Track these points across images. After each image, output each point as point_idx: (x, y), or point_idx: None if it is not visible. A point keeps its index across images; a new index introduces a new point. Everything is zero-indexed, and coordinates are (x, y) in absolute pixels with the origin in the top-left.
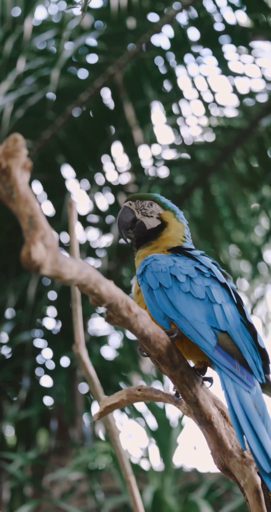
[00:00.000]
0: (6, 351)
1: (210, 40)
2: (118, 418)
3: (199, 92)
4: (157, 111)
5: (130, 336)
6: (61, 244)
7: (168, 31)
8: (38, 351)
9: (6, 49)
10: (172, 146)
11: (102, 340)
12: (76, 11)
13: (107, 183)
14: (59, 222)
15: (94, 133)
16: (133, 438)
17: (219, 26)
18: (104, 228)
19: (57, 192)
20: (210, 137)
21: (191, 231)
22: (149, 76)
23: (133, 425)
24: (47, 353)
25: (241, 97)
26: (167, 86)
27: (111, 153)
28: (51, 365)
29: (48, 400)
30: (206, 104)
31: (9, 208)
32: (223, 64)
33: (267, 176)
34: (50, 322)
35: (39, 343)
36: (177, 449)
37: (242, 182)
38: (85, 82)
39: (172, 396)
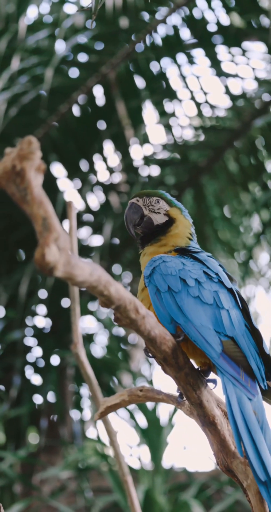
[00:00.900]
0: None
1: (203, 40)
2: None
3: (191, 92)
4: (149, 111)
5: (119, 334)
6: None
7: (161, 31)
8: (29, 349)
9: (0, 47)
10: (164, 146)
11: (91, 339)
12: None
13: (99, 183)
14: None
15: (86, 132)
16: (123, 437)
17: (212, 27)
18: (96, 227)
19: (49, 191)
20: (202, 137)
21: None
22: (141, 75)
23: (124, 424)
24: (37, 352)
25: (233, 97)
26: (159, 86)
27: (103, 153)
28: (41, 364)
29: (38, 399)
30: (198, 104)
31: None
32: (215, 64)
33: (259, 177)
34: (41, 321)
35: (30, 341)
36: (167, 448)
37: (234, 182)
38: (78, 81)
39: (174, 397)
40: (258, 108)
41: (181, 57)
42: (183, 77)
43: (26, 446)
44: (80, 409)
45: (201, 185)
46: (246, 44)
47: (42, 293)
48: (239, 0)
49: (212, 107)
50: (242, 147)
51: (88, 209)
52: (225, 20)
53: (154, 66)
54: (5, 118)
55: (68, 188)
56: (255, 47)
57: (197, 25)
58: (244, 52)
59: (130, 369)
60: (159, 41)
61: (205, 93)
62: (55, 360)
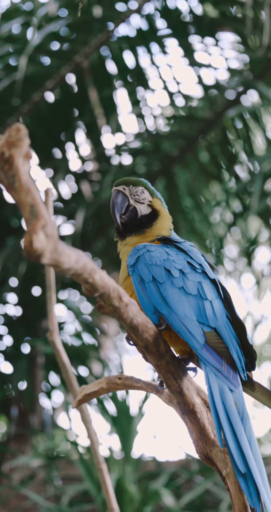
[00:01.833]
0: None
1: (177, 30)
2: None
3: (164, 82)
4: (122, 100)
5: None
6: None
7: (135, 20)
8: None
9: None
10: (136, 135)
11: (60, 327)
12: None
13: (71, 171)
14: None
15: (59, 120)
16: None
17: (186, 17)
18: (68, 216)
19: None
20: (175, 127)
21: None
22: (114, 65)
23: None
24: (8, 340)
25: (206, 88)
26: (132, 75)
27: (75, 141)
28: (12, 352)
29: (8, 387)
30: (171, 94)
31: None
32: (189, 54)
33: (231, 167)
34: (12, 309)
35: (0, 329)
36: (137, 437)
37: (206, 172)
38: (51, 70)
39: (152, 385)
40: (230, 98)
41: (155, 47)
42: (156, 67)
43: None
44: (50, 398)
45: (173, 175)
46: (219, 34)
47: (13, 282)
48: None
49: (185, 97)
50: (214, 137)
51: (60, 198)
52: (199, 10)
53: (127, 56)
54: None
55: (40, 176)
56: (229, 38)
57: (170, 15)
58: (217, 42)
59: (100, 357)
60: (132, 30)
61: (178, 83)
62: (25, 348)
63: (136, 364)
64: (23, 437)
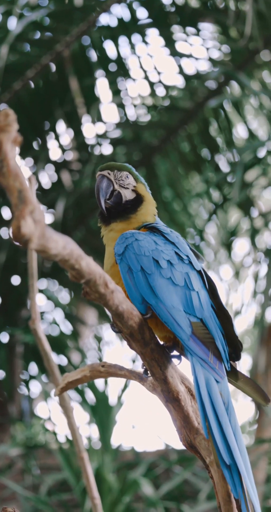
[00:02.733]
0: None
1: (158, 20)
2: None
3: (145, 71)
4: (103, 90)
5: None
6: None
7: (116, 10)
8: None
9: None
10: (117, 124)
11: (41, 317)
12: None
13: (51, 160)
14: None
15: (39, 109)
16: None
17: (168, 7)
18: (48, 205)
19: None
20: (155, 117)
21: None
22: (96, 54)
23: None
24: None
25: (187, 78)
26: (113, 65)
27: (56, 130)
28: None
29: None
30: (151, 84)
31: None
32: (170, 44)
33: (211, 158)
34: None
35: None
36: (115, 427)
37: (186, 163)
38: (32, 59)
39: (136, 373)
40: (211, 89)
41: (136, 37)
42: (137, 57)
43: None
44: (29, 387)
45: (153, 165)
46: (201, 25)
47: None
48: None
49: (166, 87)
50: (195, 128)
51: (40, 187)
52: (181, 0)
53: (108, 45)
54: None
55: (20, 165)
56: (210, 28)
57: (152, 5)
58: (198, 32)
59: (79, 347)
60: (114, 20)
61: (159, 73)
62: (4, 337)
63: (115, 354)
64: (1, 426)
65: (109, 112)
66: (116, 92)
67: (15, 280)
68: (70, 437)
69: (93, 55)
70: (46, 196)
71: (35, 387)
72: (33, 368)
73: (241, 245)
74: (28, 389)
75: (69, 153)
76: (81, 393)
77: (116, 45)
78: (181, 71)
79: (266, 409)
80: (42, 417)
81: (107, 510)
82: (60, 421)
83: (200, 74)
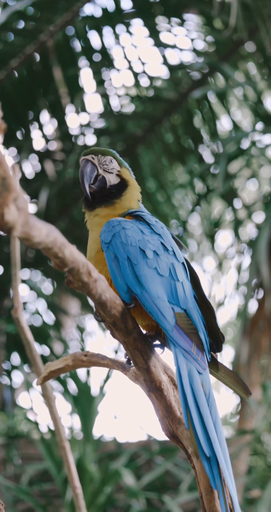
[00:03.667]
0: None
1: (143, 10)
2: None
3: (129, 62)
4: (87, 80)
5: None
6: None
7: (100, 0)
8: None
9: None
10: (101, 115)
11: (24, 307)
12: None
13: (34, 150)
14: None
15: (23, 99)
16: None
17: None
18: (31, 195)
19: None
20: (139, 108)
21: None
22: (79, 44)
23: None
24: None
25: (171, 68)
26: (97, 55)
27: (39, 120)
28: None
29: None
30: (135, 74)
31: None
32: (154, 35)
33: (195, 149)
34: None
35: None
36: (97, 417)
37: (170, 154)
38: (16, 48)
39: (119, 363)
40: (195, 79)
41: (120, 27)
42: (121, 47)
43: None
44: (11, 377)
45: (137, 156)
46: (185, 15)
47: None
48: None
49: (150, 77)
50: (178, 119)
51: (23, 177)
52: None
53: (92, 35)
54: None
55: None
56: (195, 19)
57: None
58: (183, 23)
59: (61, 337)
60: (98, 10)
61: (143, 63)
62: None
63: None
64: None
65: (93, 102)
66: (100, 82)
67: None
68: (52, 427)
69: (77, 45)
70: (30, 186)
71: (18, 377)
72: (16, 358)
73: (224, 236)
74: (10, 379)
75: (53, 143)
76: (63, 383)
77: (101, 35)
78: (165, 62)
79: (248, 400)
80: (24, 407)
81: (89, 500)
82: (42, 411)
83: (184, 65)
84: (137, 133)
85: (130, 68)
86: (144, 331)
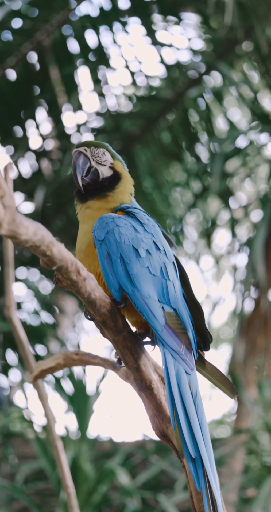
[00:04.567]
0: None
1: (139, 9)
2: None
3: (126, 61)
4: (84, 79)
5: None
6: None
7: None
8: None
9: None
10: (97, 114)
11: (19, 306)
12: None
13: (31, 149)
14: None
15: (20, 98)
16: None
17: None
18: (28, 194)
19: None
20: (136, 107)
21: None
22: (76, 43)
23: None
24: None
25: (167, 67)
26: (94, 54)
27: (36, 119)
28: None
29: None
30: (132, 73)
31: None
32: (151, 33)
33: (192, 148)
34: None
35: None
36: (93, 416)
37: (166, 153)
38: (12, 47)
39: (110, 362)
40: (192, 78)
41: (117, 26)
42: (118, 46)
43: None
44: (7, 376)
45: (133, 155)
46: (182, 14)
47: None
48: None
49: (146, 76)
50: (175, 118)
51: (20, 176)
52: None
53: (89, 34)
54: None
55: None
56: (191, 18)
57: None
58: (179, 22)
59: (57, 336)
60: (94, 9)
61: (140, 62)
62: None
63: (93, 344)
64: None
65: (89, 101)
66: (97, 81)
67: None
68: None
69: (74, 44)
70: (26, 185)
71: (13, 376)
72: (11, 356)
73: (221, 235)
74: (7, 377)
75: (50, 142)
76: (59, 382)
77: (97, 34)
78: (162, 61)
79: (244, 400)
80: (19, 406)
81: (84, 499)
82: (37, 410)
83: (181, 64)
84: (133, 132)
85: (127, 67)
86: (134, 328)
